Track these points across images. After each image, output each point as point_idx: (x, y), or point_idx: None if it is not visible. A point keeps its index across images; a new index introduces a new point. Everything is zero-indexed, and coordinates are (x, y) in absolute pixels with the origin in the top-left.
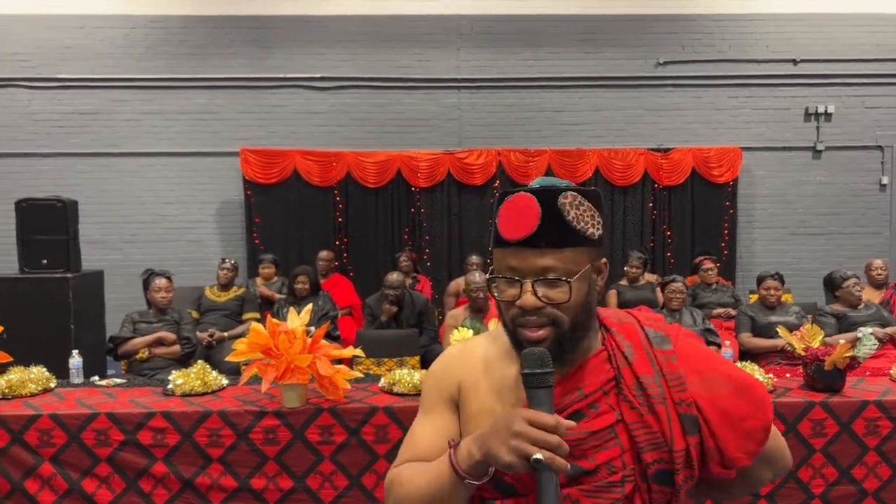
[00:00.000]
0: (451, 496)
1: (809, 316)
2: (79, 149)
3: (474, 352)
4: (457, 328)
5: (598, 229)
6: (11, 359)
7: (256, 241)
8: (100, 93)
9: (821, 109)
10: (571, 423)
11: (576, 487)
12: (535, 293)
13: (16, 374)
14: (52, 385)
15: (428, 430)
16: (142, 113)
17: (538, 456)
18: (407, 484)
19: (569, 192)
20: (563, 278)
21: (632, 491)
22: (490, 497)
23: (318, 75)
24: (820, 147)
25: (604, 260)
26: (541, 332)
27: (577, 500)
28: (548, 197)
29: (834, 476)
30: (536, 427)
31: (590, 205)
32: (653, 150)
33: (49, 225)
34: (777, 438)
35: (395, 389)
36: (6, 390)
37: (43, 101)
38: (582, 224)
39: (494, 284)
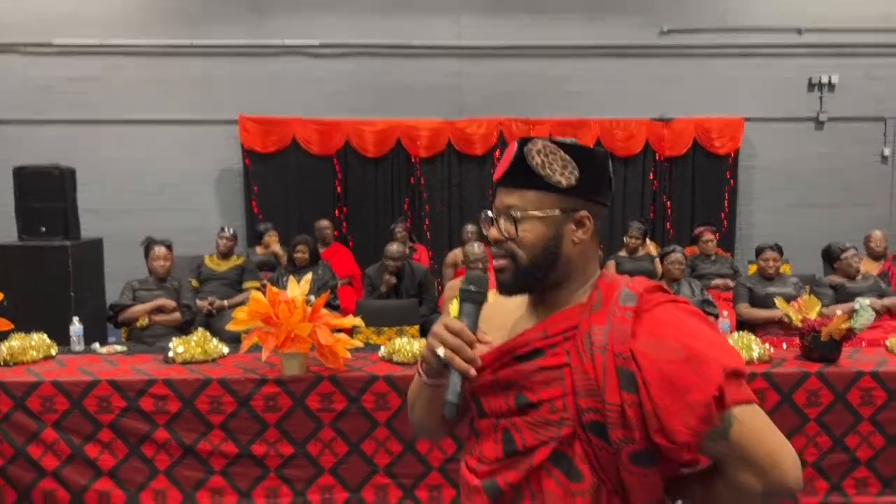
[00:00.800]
0: (420, 396)
1: (807, 287)
2: (76, 116)
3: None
4: (456, 298)
5: (568, 179)
6: (12, 326)
7: (255, 210)
8: (97, 59)
9: (824, 80)
10: (487, 338)
11: (521, 417)
12: (498, 226)
13: (17, 341)
14: (54, 352)
15: None
16: (139, 80)
17: (440, 351)
18: (409, 393)
19: (540, 141)
20: (517, 215)
21: (569, 435)
22: (473, 417)
23: (317, 42)
24: (822, 118)
25: (583, 213)
26: (499, 262)
27: (520, 429)
28: (525, 144)
29: (827, 445)
30: (448, 330)
31: (566, 156)
32: (655, 120)
33: (47, 193)
34: (764, 444)
35: (395, 358)
36: (7, 357)
37: (39, 67)
38: (547, 170)
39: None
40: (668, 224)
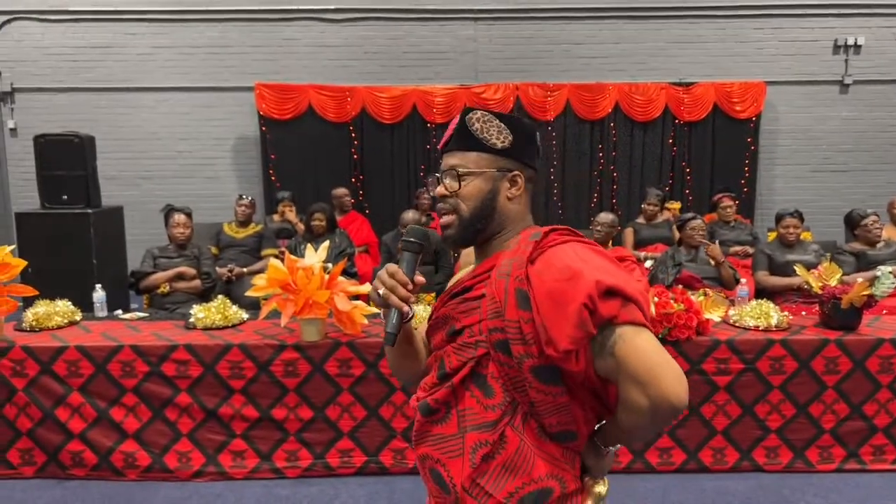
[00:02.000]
0: (390, 353)
1: (828, 254)
2: (93, 83)
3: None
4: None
5: (502, 142)
6: (37, 292)
7: (273, 178)
8: (112, 26)
9: (850, 41)
10: (420, 279)
11: (451, 345)
12: (442, 183)
13: (42, 308)
14: (78, 318)
15: None
16: (154, 46)
17: (380, 291)
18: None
19: (479, 111)
20: (458, 172)
21: (483, 356)
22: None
23: (331, 6)
24: (848, 81)
25: (515, 172)
26: (445, 218)
27: (449, 355)
28: (467, 114)
29: (845, 412)
30: (389, 274)
31: (501, 124)
32: (674, 84)
33: (67, 161)
34: (646, 360)
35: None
36: (33, 323)
37: (55, 34)
38: (486, 134)
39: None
40: (686, 191)
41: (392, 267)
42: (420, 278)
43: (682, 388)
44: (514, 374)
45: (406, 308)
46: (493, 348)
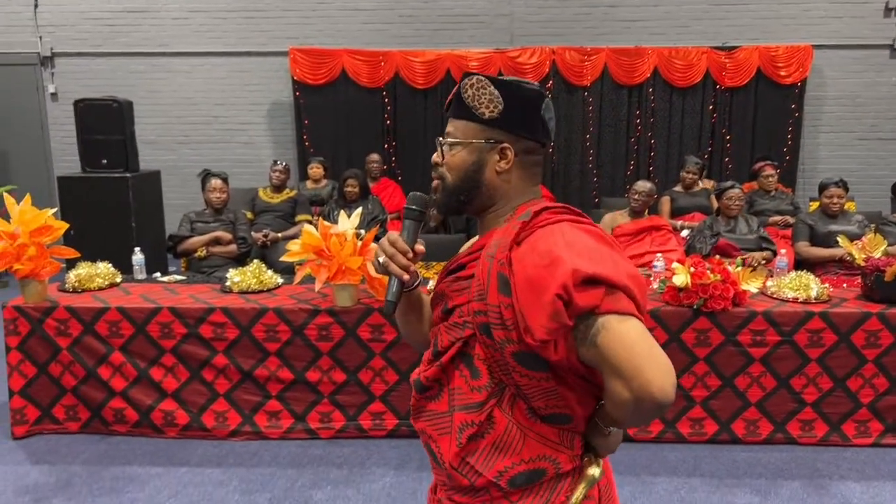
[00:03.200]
0: (397, 320)
1: (872, 225)
2: (130, 48)
3: None
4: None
5: (491, 112)
6: (79, 254)
7: (307, 144)
8: None
9: None
10: (419, 248)
11: (444, 323)
12: (440, 149)
13: (84, 269)
14: (118, 280)
15: None
16: (190, 11)
17: (381, 258)
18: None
19: (475, 77)
20: (448, 141)
21: (470, 336)
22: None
23: None
24: None
25: (505, 144)
26: (435, 184)
27: (442, 333)
28: (464, 79)
29: (885, 387)
30: (388, 241)
31: (496, 91)
32: (716, 48)
33: (106, 125)
34: (629, 351)
35: None
36: (76, 284)
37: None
38: (475, 102)
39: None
40: (725, 159)
41: (393, 235)
42: (420, 247)
43: (668, 381)
44: (499, 357)
45: (406, 276)
46: (477, 330)
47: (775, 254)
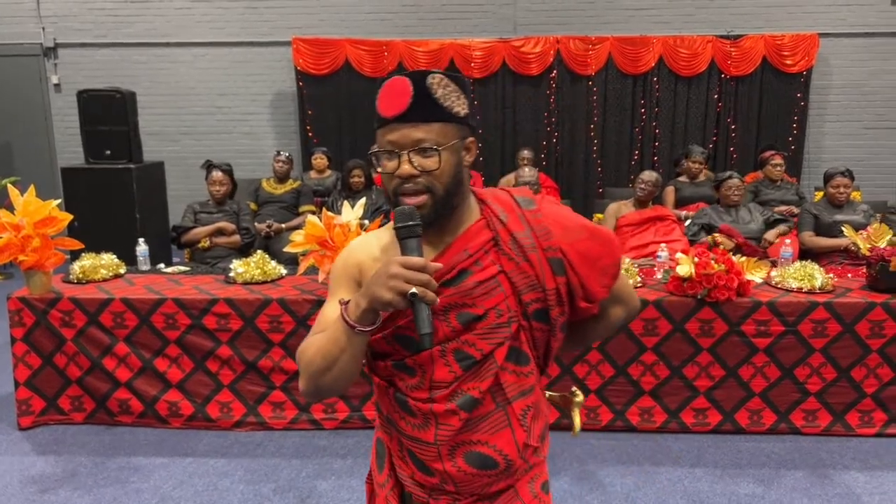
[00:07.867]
0: (348, 350)
1: (878, 215)
2: (133, 38)
3: (373, 239)
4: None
5: (463, 109)
6: (83, 245)
7: (310, 134)
8: None
9: None
10: (438, 265)
11: (471, 333)
12: (410, 162)
13: (88, 260)
14: (122, 271)
15: (333, 308)
16: (192, 1)
17: (413, 290)
18: (310, 348)
19: (436, 74)
20: (434, 147)
21: (517, 329)
22: (396, 358)
23: None
24: None
25: (471, 139)
26: (418, 199)
27: (473, 343)
28: (418, 78)
29: (889, 377)
30: (408, 268)
31: (456, 87)
32: (721, 37)
33: (110, 116)
34: (627, 285)
35: None
36: (80, 275)
37: None
38: (449, 102)
39: (376, 160)
40: (730, 148)
41: (415, 261)
42: (436, 265)
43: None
44: (541, 336)
45: (438, 300)
46: (530, 319)
47: (791, 229)
